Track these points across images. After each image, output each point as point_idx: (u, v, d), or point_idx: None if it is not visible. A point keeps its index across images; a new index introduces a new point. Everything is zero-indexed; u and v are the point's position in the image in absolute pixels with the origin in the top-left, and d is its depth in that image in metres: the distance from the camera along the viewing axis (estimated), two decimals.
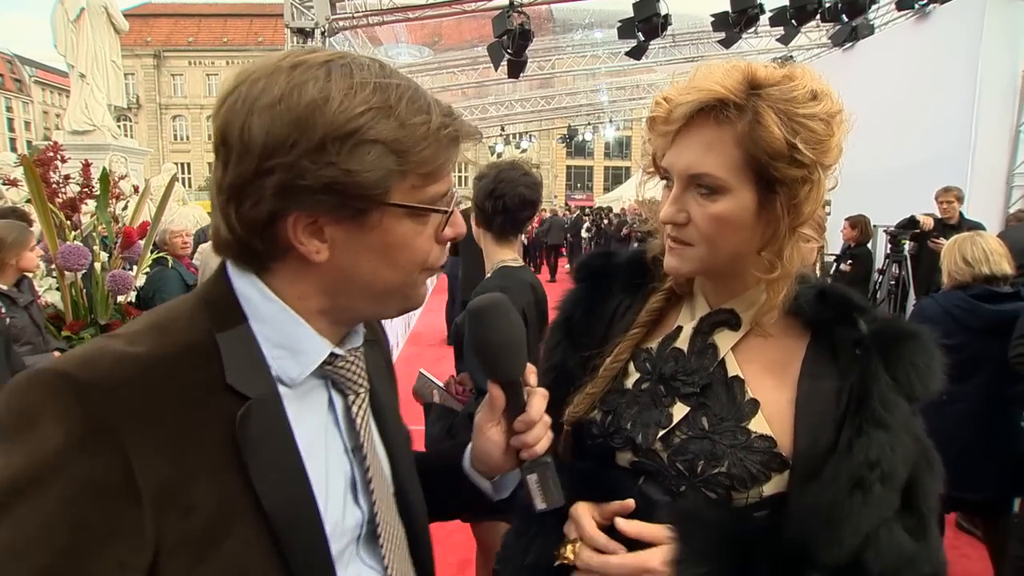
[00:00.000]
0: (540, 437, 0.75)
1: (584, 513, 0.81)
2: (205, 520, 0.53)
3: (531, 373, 0.77)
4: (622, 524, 0.77)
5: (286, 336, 0.61)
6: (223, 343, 0.58)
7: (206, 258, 3.50)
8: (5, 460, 0.49)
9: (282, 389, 0.60)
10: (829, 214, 6.20)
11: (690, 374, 0.82)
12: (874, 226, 5.92)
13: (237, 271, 0.62)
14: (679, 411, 0.82)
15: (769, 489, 0.75)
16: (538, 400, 0.76)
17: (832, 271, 5.71)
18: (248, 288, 0.61)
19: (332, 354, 0.64)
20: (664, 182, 0.83)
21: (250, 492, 0.55)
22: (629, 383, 0.87)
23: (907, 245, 5.44)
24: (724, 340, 0.83)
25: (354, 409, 0.68)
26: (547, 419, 0.76)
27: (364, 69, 0.59)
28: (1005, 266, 2.53)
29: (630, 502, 0.79)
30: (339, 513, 0.64)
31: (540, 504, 0.74)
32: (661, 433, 0.81)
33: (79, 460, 0.49)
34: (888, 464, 0.70)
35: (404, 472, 0.76)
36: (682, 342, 0.85)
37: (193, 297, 0.63)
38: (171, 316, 0.60)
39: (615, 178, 40.21)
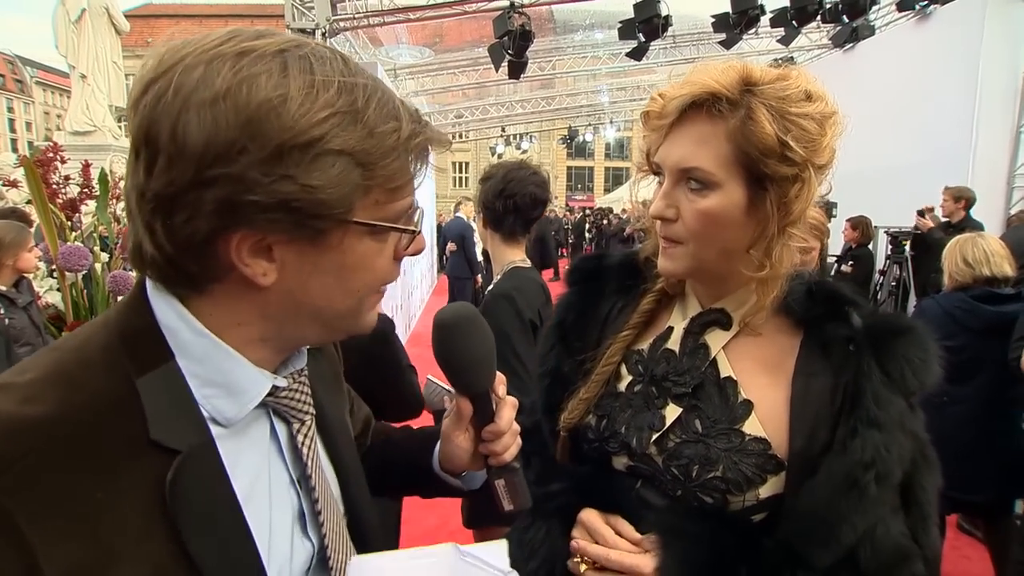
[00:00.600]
0: (508, 446, 0.73)
1: (601, 523, 0.81)
2: None
3: (500, 384, 0.74)
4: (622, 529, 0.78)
5: (220, 373, 0.53)
6: (144, 390, 0.49)
7: None
8: None
9: (216, 430, 0.53)
10: (835, 216, 6.21)
11: (681, 374, 0.82)
12: (875, 227, 5.92)
13: (160, 296, 0.53)
14: (671, 412, 0.81)
15: (766, 491, 0.75)
16: (507, 410, 0.73)
17: (833, 272, 5.71)
18: (173, 319, 0.52)
19: (274, 386, 0.57)
20: (657, 180, 0.83)
21: (184, 559, 0.48)
22: (622, 386, 0.87)
23: (907, 246, 5.45)
24: (715, 340, 0.83)
25: (299, 438, 0.60)
26: (516, 428, 0.75)
27: (326, 63, 0.50)
28: (1006, 267, 2.54)
29: (637, 535, 0.79)
30: (286, 552, 0.58)
31: (507, 506, 0.74)
32: (655, 436, 0.81)
33: None
34: (883, 464, 0.70)
35: (355, 492, 0.71)
36: (673, 343, 0.85)
37: (105, 329, 0.52)
38: (80, 358, 0.50)
39: (616, 179, 40.20)
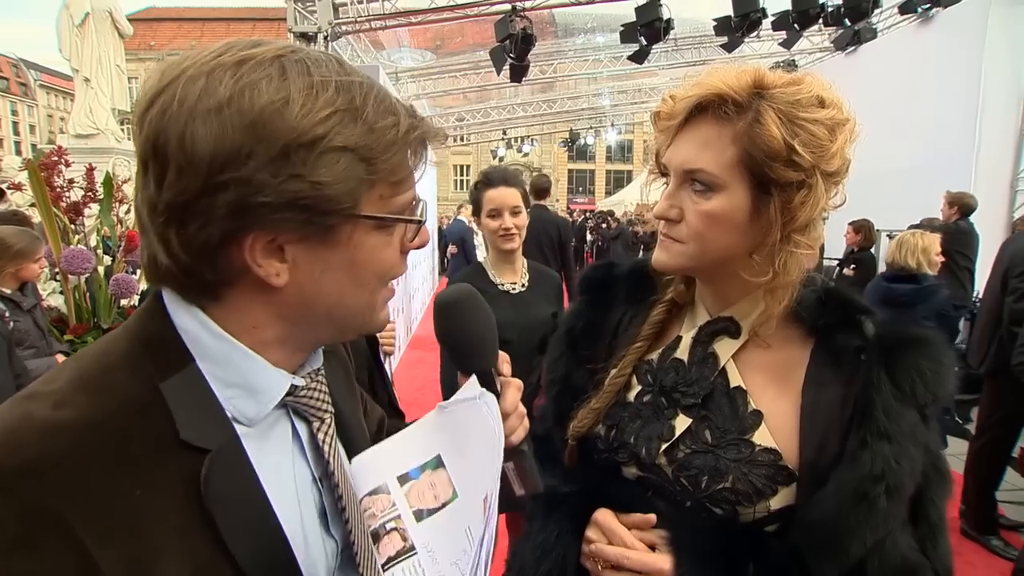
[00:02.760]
0: (515, 428, 0.72)
1: (616, 523, 0.80)
2: None
3: (504, 363, 0.73)
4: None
5: (240, 375, 0.54)
6: (169, 393, 0.50)
7: None
8: None
9: (240, 429, 0.54)
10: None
11: (690, 384, 0.81)
12: (877, 230, 5.91)
13: (176, 303, 0.54)
14: (681, 423, 0.81)
15: (777, 503, 0.74)
16: (511, 391, 0.72)
17: (835, 275, 5.70)
18: (191, 324, 0.53)
19: (292, 385, 0.58)
20: (664, 181, 0.82)
21: (224, 553, 0.49)
22: (631, 396, 0.87)
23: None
24: (724, 348, 0.82)
25: (320, 436, 0.62)
26: (521, 409, 0.73)
27: (322, 65, 0.51)
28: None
29: (652, 516, 0.78)
30: (315, 549, 0.59)
31: (519, 490, 0.73)
32: (664, 447, 0.80)
33: (24, 563, 0.41)
34: (893, 477, 0.69)
35: None
36: (682, 352, 0.85)
37: (126, 338, 0.54)
38: (103, 366, 0.51)
39: (616, 182, 40.19)
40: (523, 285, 2.08)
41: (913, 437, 0.71)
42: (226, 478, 0.51)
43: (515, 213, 1.98)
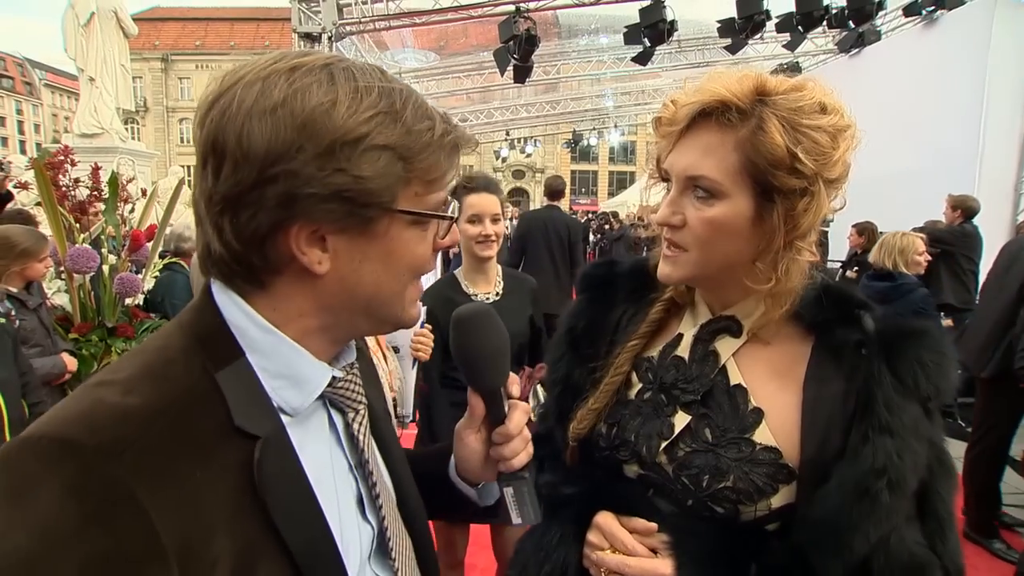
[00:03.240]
0: (517, 451, 0.73)
1: (617, 526, 0.80)
2: (231, 569, 0.50)
3: (513, 384, 0.75)
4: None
5: (286, 366, 0.58)
6: (224, 383, 0.55)
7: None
8: (13, 538, 0.44)
9: (285, 419, 0.58)
10: (831, 220, 6.15)
11: (690, 381, 0.82)
12: (880, 233, 5.90)
13: (226, 296, 0.58)
14: (680, 420, 0.81)
15: (778, 501, 0.74)
16: (518, 414, 0.74)
17: (838, 278, 5.69)
18: (241, 318, 0.58)
19: (332, 377, 0.62)
20: (666, 187, 0.82)
21: (272, 533, 0.53)
22: (632, 394, 0.87)
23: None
24: (725, 347, 0.82)
25: (355, 426, 0.66)
26: (526, 434, 0.75)
27: (366, 73, 0.57)
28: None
29: (653, 525, 0.78)
30: (354, 534, 0.63)
31: (516, 519, 0.74)
32: (664, 445, 0.80)
33: (97, 534, 0.45)
34: (896, 472, 0.68)
35: (403, 480, 0.75)
36: (683, 350, 0.85)
37: (181, 331, 0.58)
38: (164, 357, 0.55)
39: (619, 183, 40.20)
40: (497, 294, 2.06)
41: (916, 431, 0.71)
42: (275, 464, 0.55)
43: (495, 220, 1.96)
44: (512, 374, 0.75)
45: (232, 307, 0.58)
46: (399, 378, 2.00)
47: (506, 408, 0.74)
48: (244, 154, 0.52)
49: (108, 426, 0.48)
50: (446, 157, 0.60)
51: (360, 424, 0.67)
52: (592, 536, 0.82)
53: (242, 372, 0.56)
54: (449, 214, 0.63)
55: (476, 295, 2.03)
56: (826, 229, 6.13)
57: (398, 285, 0.62)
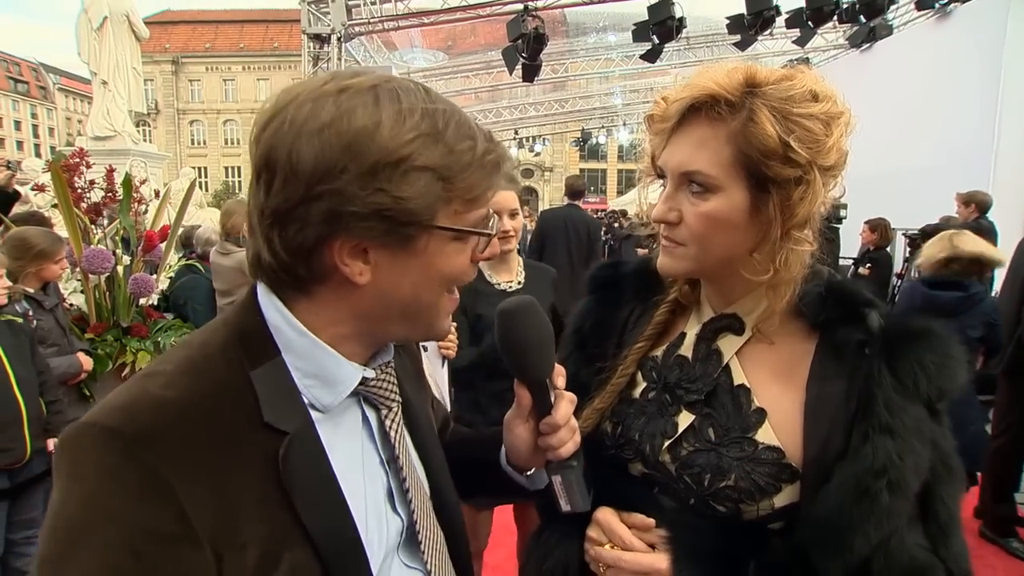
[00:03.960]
0: (564, 441, 0.75)
1: (616, 521, 0.81)
2: (258, 555, 0.54)
3: (559, 376, 0.76)
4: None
5: (319, 368, 0.62)
6: (258, 381, 0.58)
7: (217, 260, 3.57)
8: (67, 508, 0.50)
9: (315, 415, 0.61)
10: (844, 218, 6.07)
11: (693, 381, 0.81)
12: (893, 229, 5.84)
13: (268, 299, 0.62)
14: (684, 420, 0.81)
15: (781, 501, 0.74)
16: (564, 404, 0.75)
17: (850, 274, 5.64)
18: (279, 321, 0.61)
19: (364, 377, 0.65)
20: (661, 183, 0.82)
21: (297, 523, 0.56)
22: (637, 393, 0.87)
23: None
24: (728, 345, 0.82)
25: (387, 423, 0.68)
26: (573, 423, 0.76)
27: (411, 94, 0.59)
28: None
29: (651, 521, 0.79)
30: (382, 525, 0.65)
31: (564, 506, 0.75)
32: (667, 444, 0.81)
33: (135, 512, 0.50)
34: (896, 472, 0.67)
35: (438, 476, 0.77)
36: (686, 349, 0.85)
37: (225, 329, 0.62)
38: (205, 353, 0.60)
39: (628, 181, 40.06)
40: (519, 283, 2.12)
41: (919, 432, 0.70)
42: (301, 458, 0.58)
43: (513, 215, 2.00)
44: (558, 365, 0.76)
45: (272, 309, 0.62)
46: (429, 375, 2.03)
47: (552, 398, 0.75)
48: (293, 171, 0.55)
49: (147, 417, 0.53)
50: (487, 176, 0.62)
51: (393, 420, 0.69)
52: (591, 531, 0.82)
53: (276, 370, 0.60)
54: (489, 230, 0.65)
55: (499, 284, 2.09)
56: (837, 226, 6.09)
57: (434, 295, 0.64)
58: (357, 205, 0.55)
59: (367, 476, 0.66)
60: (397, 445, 0.69)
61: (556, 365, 0.76)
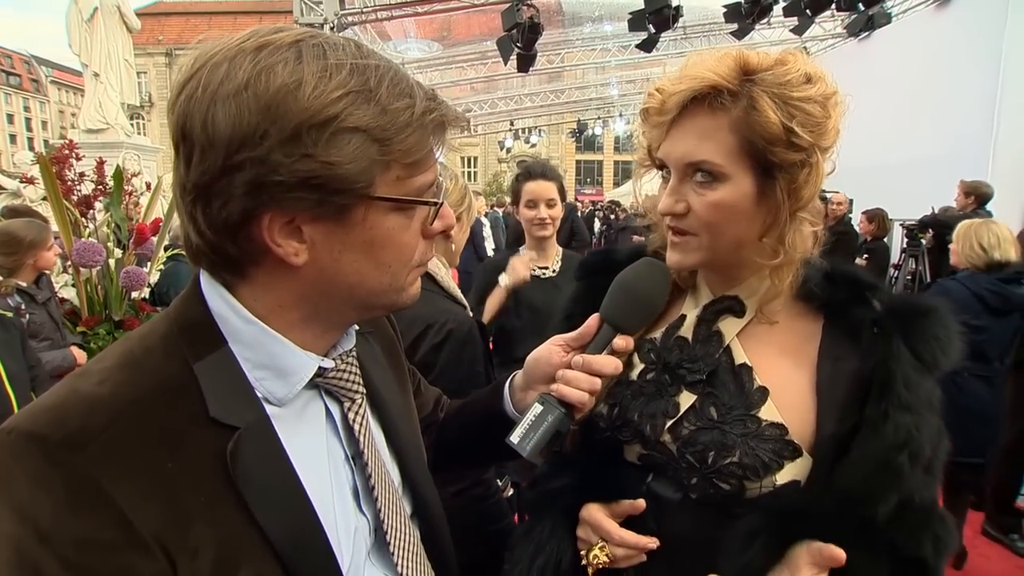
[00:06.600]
0: (578, 384, 0.73)
1: (602, 516, 0.81)
2: (212, 560, 0.50)
3: (625, 341, 0.77)
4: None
5: (269, 357, 0.57)
6: (202, 373, 0.54)
7: None
8: (3, 526, 0.46)
9: (271, 409, 0.57)
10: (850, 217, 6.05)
11: (695, 361, 0.82)
12: (891, 220, 5.83)
13: (211, 287, 0.57)
14: (685, 400, 0.81)
15: (783, 477, 0.74)
16: (608, 359, 0.75)
17: None
18: (224, 308, 0.56)
19: (320, 367, 0.60)
20: (661, 174, 0.82)
21: (254, 525, 0.52)
22: (634, 374, 0.87)
23: (925, 239, 5.39)
24: (729, 327, 0.83)
25: (351, 416, 0.64)
26: (596, 386, 0.74)
27: (339, 49, 0.53)
28: (1011, 252, 2.77)
29: (640, 502, 0.79)
30: (349, 526, 0.61)
31: (515, 438, 0.71)
32: (669, 423, 0.81)
33: (71, 522, 0.46)
34: (915, 445, 0.71)
35: (414, 470, 0.74)
36: (686, 330, 0.85)
37: (166, 321, 0.58)
38: (144, 347, 0.55)
39: (624, 173, 39.99)
40: (554, 271, 2.24)
41: (929, 404, 0.73)
42: (254, 454, 0.53)
43: (550, 205, 2.16)
44: (628, 337, 0.78)
45: (216, 297, 0.57)
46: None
47: (604, 352, 0.76)
48: (209, 140, 0.50)
49: (75, 418, 0.48)
50: (429, 137, 0.56)
51: (356, 413, 0.65)
52: (581, 532, 0.83)
53: (223, 362, 0.55)
54: (433, 199, 0.59)
55: (535, 269, 2.20)
56: (850, 215, 6.09)
57: (384, 276, 0.58)
58: (283, 174, 0.50)
59: (332, 473, 0.61)
60: (362, 440, 0.64)
61: (630, 338, 0.78)
